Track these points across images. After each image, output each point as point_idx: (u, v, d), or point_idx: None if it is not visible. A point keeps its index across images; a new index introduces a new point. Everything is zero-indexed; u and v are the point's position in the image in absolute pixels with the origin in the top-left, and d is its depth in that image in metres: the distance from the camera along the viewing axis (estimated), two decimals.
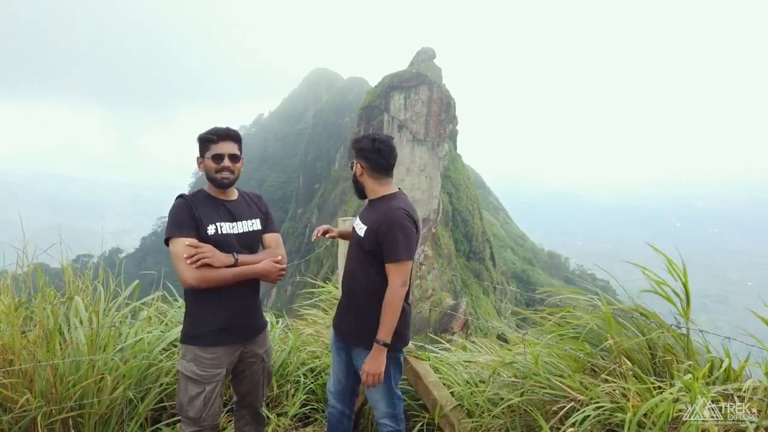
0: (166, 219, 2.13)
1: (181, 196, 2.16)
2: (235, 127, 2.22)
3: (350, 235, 2.48)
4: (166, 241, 2.07)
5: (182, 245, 2.02)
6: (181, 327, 2.99)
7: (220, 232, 2.13)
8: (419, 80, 51.53)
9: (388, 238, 2.16)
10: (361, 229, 2.31)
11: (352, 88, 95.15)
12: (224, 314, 2.15)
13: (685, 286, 2.08)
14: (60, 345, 2.50)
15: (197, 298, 2.13)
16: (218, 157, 2.16)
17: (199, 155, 2.21)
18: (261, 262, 2.17)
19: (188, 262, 2.00)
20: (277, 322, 3.72)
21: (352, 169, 2.38)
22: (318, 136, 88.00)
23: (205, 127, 2.30)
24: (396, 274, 2.15)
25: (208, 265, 2.03)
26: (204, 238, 2.09)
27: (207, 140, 2.18)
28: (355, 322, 2.32)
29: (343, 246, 2.98)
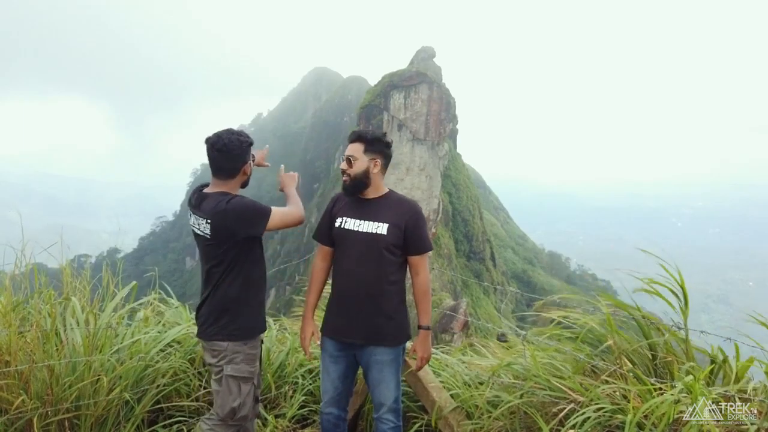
0: (244, 211, 2.12)
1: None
2: (234, 126, 2.27)
3: (346, 237, 2.24)
4: (266, 215, 2.14)
5: (277, 209, 2.18)
6: (178, 327, 2.99)
7: None
8: (419, 79, 51.47)
9: (417, 231, 2.21)
10: (377, 227, 2.17)
11: (352, 87, 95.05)
12: (263, 298, 2.31)
13: (682, 287, 2.06)
14: (56, 346, 2.48)
15: (257, 285, 2.22)
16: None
17: (245, 160, 2.21)
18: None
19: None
20: (274, 323, 3.69)
21: (351, 164, 2.20)
22: (317, 135, 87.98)
23: (204, 127, 2.31)
24: (425, 264, 2.24)
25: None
26: None
27: (252, 144, 2.24)
28: (374, 322, 2.19)
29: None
